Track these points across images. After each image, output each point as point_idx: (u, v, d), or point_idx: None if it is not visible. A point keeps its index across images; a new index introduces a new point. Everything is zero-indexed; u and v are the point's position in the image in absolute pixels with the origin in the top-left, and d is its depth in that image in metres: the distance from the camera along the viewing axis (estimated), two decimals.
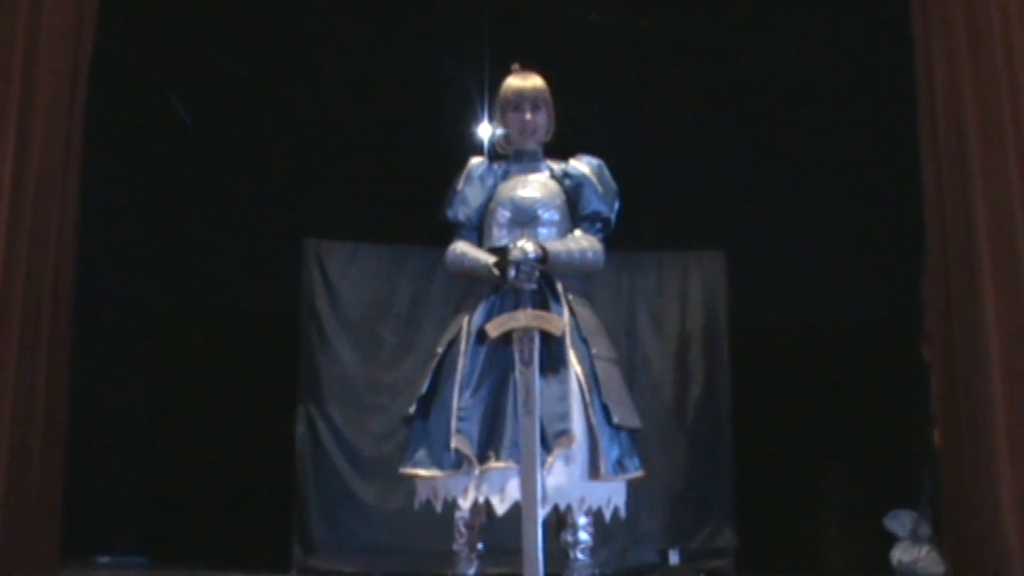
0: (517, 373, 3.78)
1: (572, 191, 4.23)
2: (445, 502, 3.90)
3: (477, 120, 6.98)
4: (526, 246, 3.93)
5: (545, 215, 4.16)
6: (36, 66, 4.40)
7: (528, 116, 4.24)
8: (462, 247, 4.17)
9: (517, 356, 3.79)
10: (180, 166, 7.58)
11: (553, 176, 4.27)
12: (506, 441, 3.78)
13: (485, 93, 6.60)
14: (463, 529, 3.98)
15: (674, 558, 6.76)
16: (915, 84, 4.71)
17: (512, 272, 3.91)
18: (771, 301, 7.19)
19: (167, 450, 7.18)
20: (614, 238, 4.30)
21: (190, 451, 7.08)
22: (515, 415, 3.77)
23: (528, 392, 3.75)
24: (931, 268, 4.57)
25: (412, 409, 3.97)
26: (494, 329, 3.84)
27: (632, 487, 4.00)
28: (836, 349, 7.25)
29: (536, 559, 3.61)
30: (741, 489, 6.90)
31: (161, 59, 7.03)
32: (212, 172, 7.47)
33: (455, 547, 4.01)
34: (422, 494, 3.97)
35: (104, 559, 6.56)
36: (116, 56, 5.99)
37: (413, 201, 7.10)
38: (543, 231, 4.13)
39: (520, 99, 4.24)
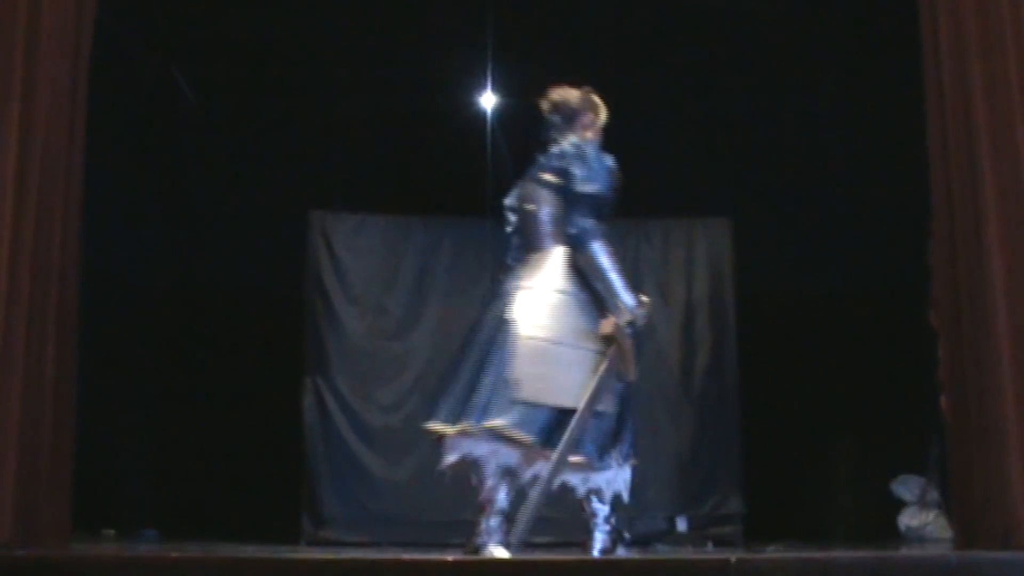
0: (603, 376, 4.07)
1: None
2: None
3: (480, 90, 6.95)
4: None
5: None
6: (38, 42, 4.37)
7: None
8: (611, 258, 4.30)
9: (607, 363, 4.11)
10: (184, 140, 7.56)
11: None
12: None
13: (488, 63, 6.57)
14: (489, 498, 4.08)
15: (682, 525, 6.79)
16: (920, 46, 4.67)
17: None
18: (777, 268, 7.18)
19: (176, 424, 7.20)
20: (618, 205, 4.31)
21: (198, 425, 7.10)
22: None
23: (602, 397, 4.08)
24: (937, 234, 4.55)
25: None
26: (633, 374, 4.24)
27: (642, 456, 4.27)
28: (842, 316, 7.23)
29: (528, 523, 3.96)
30: (748, 456, 6.91)
31: (164, 32, 7.00)
32: (216, 146, 7.45)
33: (481, 500, 4.12)
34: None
35: (114, 532, 6.59)
36: (119, 30, 5.96)
37: (418, 172, 7.10)
38: None
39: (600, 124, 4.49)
